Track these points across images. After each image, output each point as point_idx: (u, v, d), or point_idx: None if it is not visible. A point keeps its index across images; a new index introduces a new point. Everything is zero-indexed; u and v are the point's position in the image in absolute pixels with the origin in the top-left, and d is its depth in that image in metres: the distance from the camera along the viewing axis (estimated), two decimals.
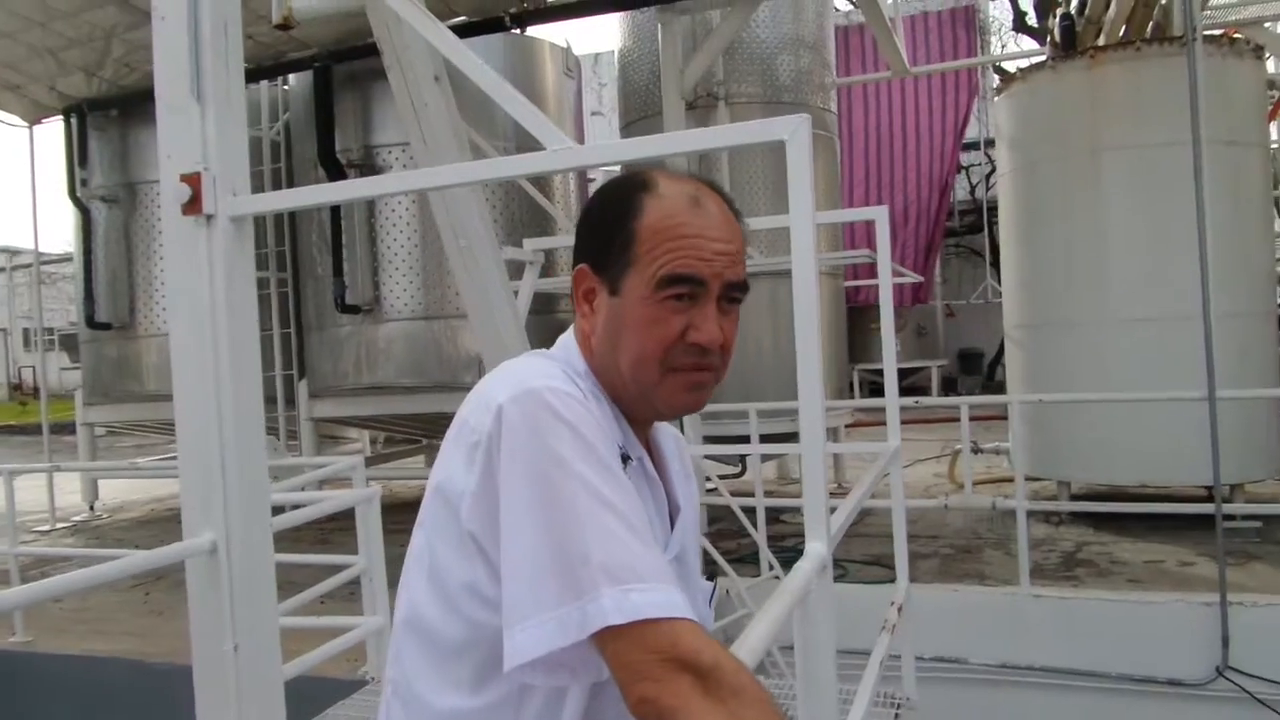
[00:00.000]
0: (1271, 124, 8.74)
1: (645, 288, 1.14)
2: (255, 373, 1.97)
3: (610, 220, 1.19)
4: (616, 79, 9.17)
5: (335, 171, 7.67)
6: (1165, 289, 6.38)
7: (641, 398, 1.18)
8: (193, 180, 1.98)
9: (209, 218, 1.99)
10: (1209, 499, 6.11)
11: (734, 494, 5.53)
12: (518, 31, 7.74)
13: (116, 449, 15.47)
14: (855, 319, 12.12)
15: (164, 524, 8.91)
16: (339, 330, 7.92)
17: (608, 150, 1.65)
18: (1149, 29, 7.44)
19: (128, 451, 14.99)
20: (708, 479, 5.81)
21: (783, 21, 8.06)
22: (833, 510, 2.06)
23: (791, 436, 7.23)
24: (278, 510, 3.17)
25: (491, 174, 1.73)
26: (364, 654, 3.94)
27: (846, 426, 8.47)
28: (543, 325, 7.09)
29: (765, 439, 6.04)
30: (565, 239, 6.84)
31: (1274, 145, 7.97)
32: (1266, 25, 9.03)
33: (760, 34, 7.93)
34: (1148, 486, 6.48)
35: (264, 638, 1.87)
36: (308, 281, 8.35)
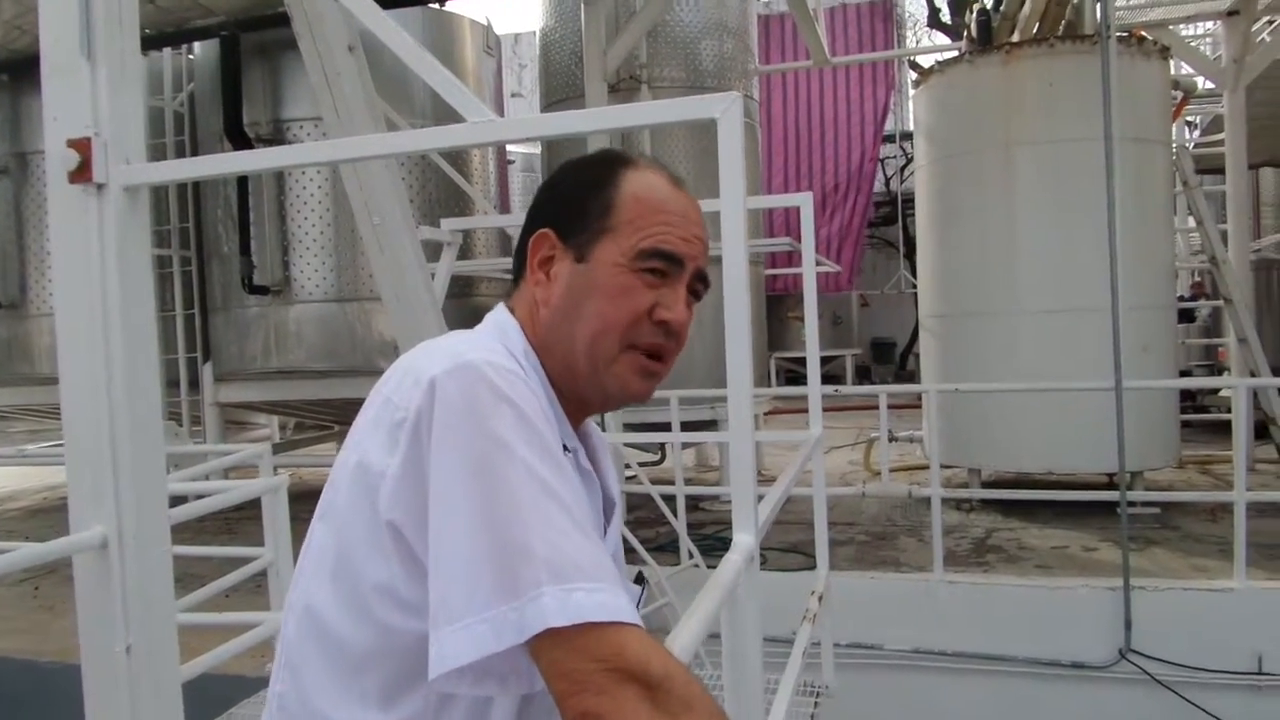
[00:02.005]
0: (1174, 123, 9.05)
1: (622, 255, 1.08)
2: (151, 355, 1.84)
3: (586, 186, 1.13)
4: (538, 59, 9.03)
5: (242, 145, 7.36)
6: (1073, 281, 6.56)
7: (592, 375, 1.10)
8: (81, 145, 1.84)
9: (99, 187, 1.85)
10: (1112, 486, 6.33)
11: (653, 482, 5.50)
12: (436, 5, 7.54)
13: (7, 434, 14.73)
14: (773, 307, 12.24)
15: (58, 514, 8.49)
16: (246, 312, 7.63)
17: (531, 124, 1.58)
18: (1061, 27, 7.62)
19: (19, 437, 14.27)
20: (627, 466, 5.76)
21: (706, 6, 8.04)
22: (758, 500, 2.03)
23: (711, 424, 7.25)
24: (178, 500, 3.01)
25: (408, 146, 1.64)
26: (270, 650, 3.80)
27: (764, 414, 8.53)
28: (460, 309, 6.94)
29: (685, 426, 6.02)
30: (484, 220, 6.72)
31: (1175, 144, 8.25)
32: (1171, 27, 9.36)
33: (684, 18, 7.89)
34: (1054, 474, 6.68)
35: (160, 637, 1.75)
36: (213, 260, 8.01)
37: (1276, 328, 11.20)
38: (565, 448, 1.04)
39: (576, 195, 1.13)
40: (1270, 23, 9.36)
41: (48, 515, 8.60)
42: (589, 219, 1.10)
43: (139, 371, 1.80)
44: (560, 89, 8.25)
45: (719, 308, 1.51)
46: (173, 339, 8.03)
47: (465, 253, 6.10)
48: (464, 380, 0.95)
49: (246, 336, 7.67)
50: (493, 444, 0.92)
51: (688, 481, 5.97)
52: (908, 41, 21.09)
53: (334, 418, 9.10)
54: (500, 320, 1.15)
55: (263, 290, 7.42)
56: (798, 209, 3.36)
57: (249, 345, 7.67)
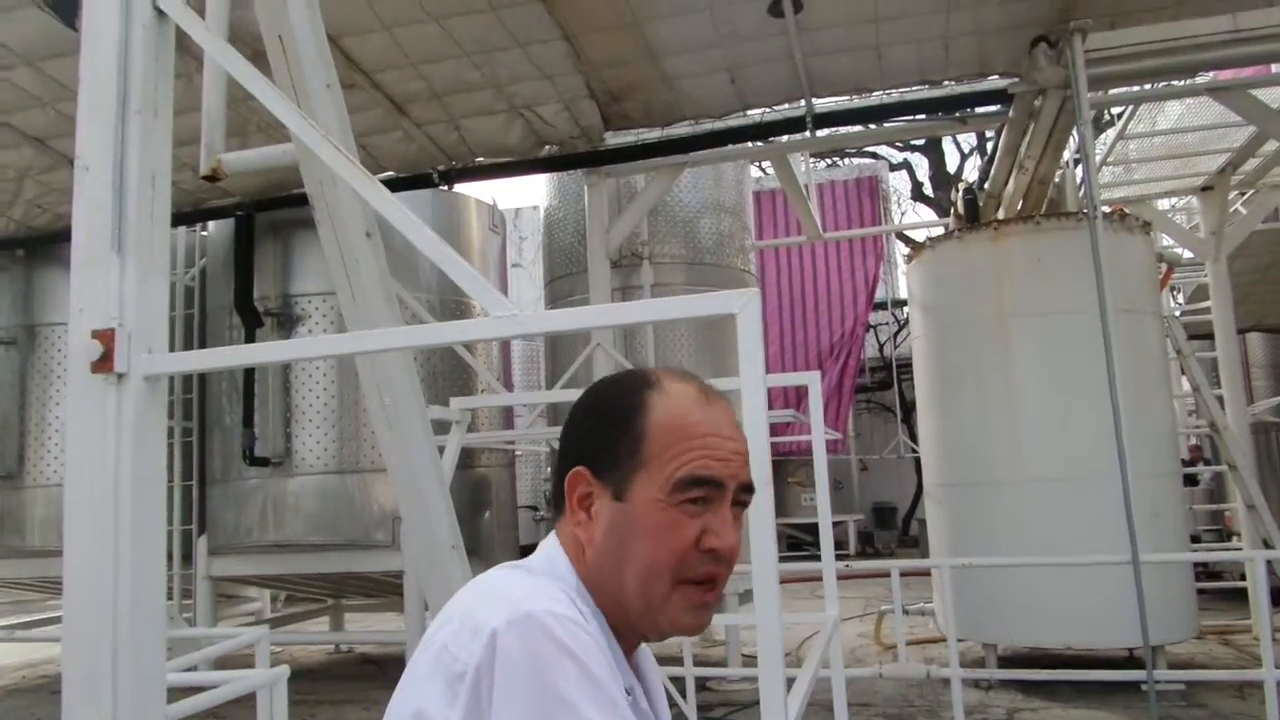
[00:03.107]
0: (1163, 292, 9.30)
1: (659, 490, 1.04)
2: (159, 549, 1.80)
3: (615, 419, 1.09)
4: (540, 234, 9.35)
5: (252, 319, 7.51)
6: (1078, 449, 6.56)
7: (646, 614, 1.06)
8: (105, 336, 1.86)
9: (120, 376, 1.86)
10: (1133, 660, 6.12)
11: (659, 660, 5.30)
12: (445, 188, 7.85)
13: None
14: (774, 472, 12.16)
15: (36, 694, 8.14)
16: (245, 483, 7.57)
17: (553, 319, 1.61)
18: (1045, 204, 7.93)
19: (3, 609, 13.85)
20: None
21: (704, 187, 8.39)
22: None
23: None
24: (169, 695, 2.88)
25: (431, 339, 1.66)
26: None
27: None
28: (464, 480, 6.90)
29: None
30: (493, 398, 6.77)
31: (1167, 313, 8.44)
32: (1151, 202, 9.76)
33: (683, 198, 8.22)
34: (1071, 648, 6.46)
35: None
36: (215, 431, 8.02)
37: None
38: (627, 691, 1.01)
39: (605, 430, 1.10)
40: (1243, 195, 9.76)
41: (27, 695, 8.24)
42: (620, 456, 1.07)
43: (145, 565, 1.77)
44: (564, 264, 8.49)
45: None
46: (168, 511, 7.92)
47: (469, 426, 6.12)
48: (525, 633, 0.93)
49: (244, 508, 7.58)
50: (557, 704, 0.90)
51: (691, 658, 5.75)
52: (893, 214, 21.89)
53: (328, 592, 8.88)
54: (552, 555, 1.11)
55: (263, 462, 7.39)
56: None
57: (245, 517, 7.57)
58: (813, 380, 3.27)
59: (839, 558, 15.41)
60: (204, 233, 8.87)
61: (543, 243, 9.15)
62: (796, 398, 12.96)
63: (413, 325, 2.02)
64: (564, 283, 8.40)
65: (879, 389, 19.44)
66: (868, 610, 9.01)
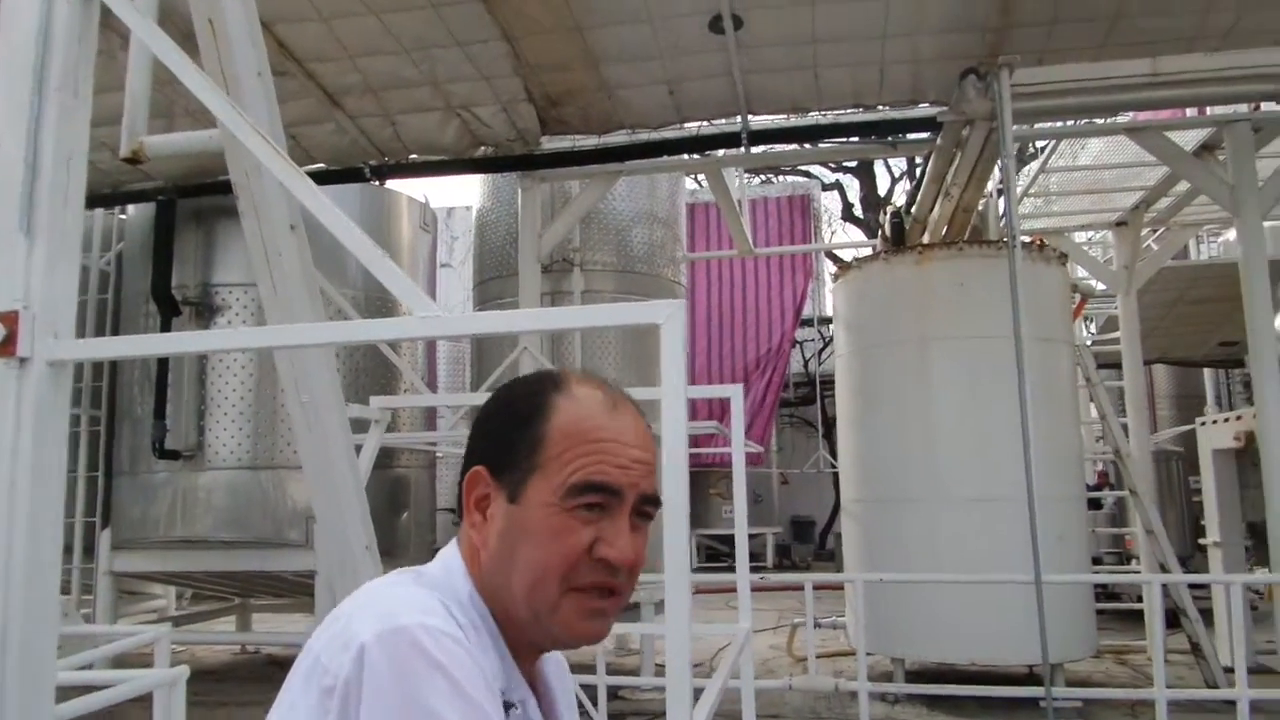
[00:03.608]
0: (1076, 322, 9.62)
1: (553, 494, 1.02)
2: (55, 541, 1.74)
3: (517, 420, 1.07)
4: (472, 235, 9.27)
5: (169, 308, 7.29)
6: (990, 471, 6.74)
7: (535, 622, 1.03)
8: (9, 319, 1.80)
9: (22, 361, 1.79)
10: (1034, 677, 6.30)
11: (571, 668, 5.27)
12: (377, 183, 7.74)
13: None
14: (695, 482, 12.26)
15: None
16: (154, 476, 7.33)
17: (475, 322, 1.60)
18: (968, 231, 8.15)
19: None
20: None
21: (638, 196, 8.42)
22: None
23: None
24: (61, 694, 2.78)
25: (351, 336, 1.64)
26: None
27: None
28: (381, 480, 6.79)
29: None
30: (414, 399, 6.69)
31: (1079, 342, 8.73)
32: (1068, 234, 10.10)
33: (617, 206, 8.24)
34: (976, 664, 6.63)
35: None
36: (125, 422, 7.75)
37: (1179, 516, 11.56)
38: (510, 705, 1.00)
39: (505, 430, 1.07)
40: (1155, 232, 10.17)
41: None
42: (518, 456, 1.04)
43: (39, 564, 1.71)
44: (494, 267, 8.44)
45: None
46: (70, 502, 7.64)
47: (390, 425, 6.03)
48: (394, 648, 0.91)
49: (151, 502, 7.34)
50: (424, 719, 0.88)
51: (606, 666, 5.75)
52: (824, 233, 22.24)
53: (236, 591, 8.64)
54: (449, 563, 1.09)
55: (174, 454, 7.17)
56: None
57: (152, 511, 7.33)
58: (735, 393, 3.31)
59: (756, 570, 15.57)
60: (123, 216, 8.59)
61: (474, 244, 9.08)
62: (720, 410, 13.08)
63: (335, 321, 1.99)
64: (493, 285, 8.35)
65: (802, 404, 19.73)
66: (781, 622, 9.11)
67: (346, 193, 7.68)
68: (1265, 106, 6.84)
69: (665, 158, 7.84)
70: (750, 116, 7.30)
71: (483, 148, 7.59)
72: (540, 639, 1.07)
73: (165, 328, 7.22)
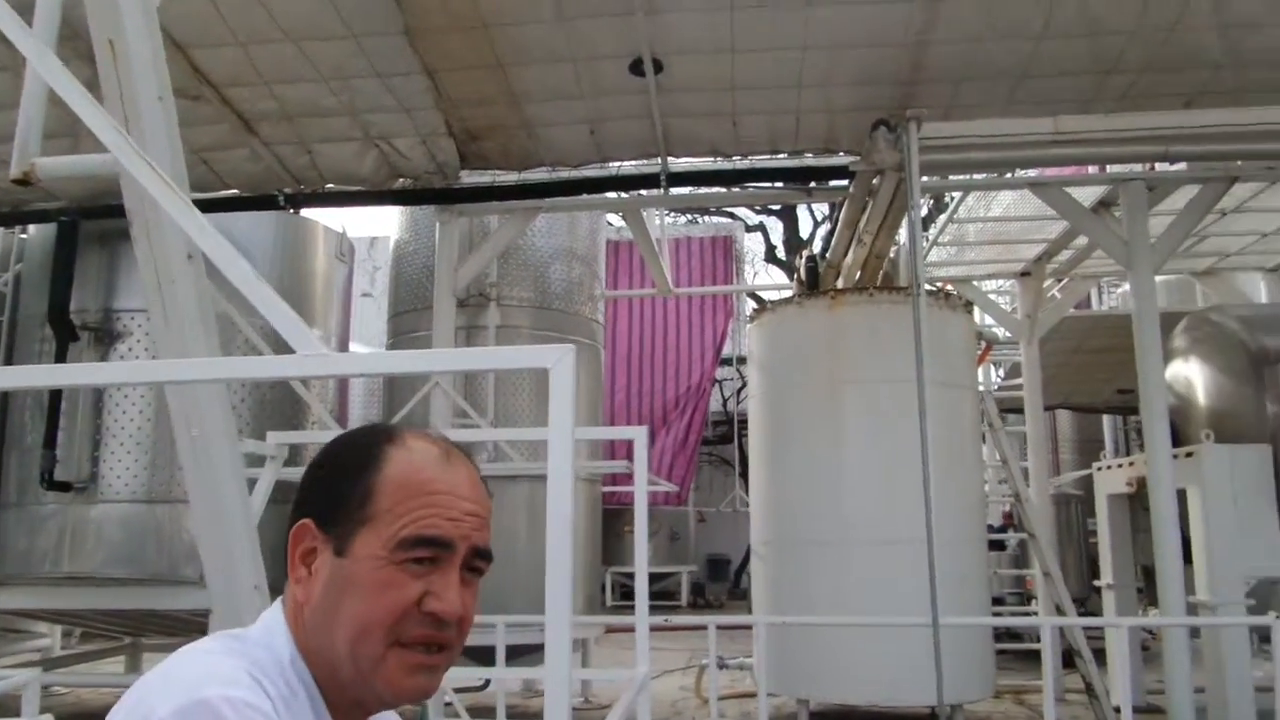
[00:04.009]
0: (979, 368, 9.91)
1: (382, 547, 1.00)
2: None
3: (347, 471, 1.05)
4: (390, 267, 9.17)
5: (66, 333, 7.01)
6: (895, 513, 6.87)
7: (360, 680, 1.00)
8: None
9: None
10: (934, 717, 6.39)
11: (473, 713, 5.19)
12: (292, 212, 7.61)
13: None
14: (610, 520, 12.20)
15: None
16: (41, 509, 6.99)
17: (365, 362, 1.58)
18: (880, 277, 8.36)
19: None
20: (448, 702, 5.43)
21: (558, 233, 8.44)
22: None
23: (542, 649, 6.99)
24: None
25: (232, 373, 1.60)
26: None
27: (599, 637, 8.32)
28: (281, 516, 6.60)
29: (514, 651, 5.77)
30: (311, 435, 6.51)
31: (981, 388, 8.99)
32: (975, 283, 10.43)
33: (536, 242, 8.24)
34: (878, 706, 6.70)
35: None
36: (13, 451, 7.38)
37: (1077, 559, 11.92)
38: None
39: (335, 482, 1.05)
40: (1058, 282, 10.57)
41: None
42: (349, 508, 1.02)
43: None
44: (410, 299, 8.35)
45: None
46: None
47: (296, 458, 5.87)
48: None
49: (37, 536, 6.99)
50: None
51: (511, 709, 5.66)
52: (746, 274, 22.57)
53: (127, 629, 8.27)
54: (271, 624, 1.05)
55: (64, 486, 6.85)
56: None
57: (38, 546, 6.98)
58: (639, 435, 3.32)
59: (670, 609, 15.49)
60: (24, 235, 8.26)
61: (390, 276, 8.97)
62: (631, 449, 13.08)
63: (222, 357, 1.95)
64: (409, 318, 8.25)
65: (720, 443, 19.87)
66: (692, 662, 9.09)
67: (259, 221, 7.52)
68: (1159, 166, 7.19)
69: (585, 196, 7.89)
70: (670, 158, 7.40)
71: (401, 179, 7.54)
72: (365, 698, 1.04)
73: (60, 354, 6.94)
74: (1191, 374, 8.06)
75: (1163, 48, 5.89)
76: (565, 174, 7.60)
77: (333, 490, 1.05)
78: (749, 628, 9.52)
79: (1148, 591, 8.49)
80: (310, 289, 7.55)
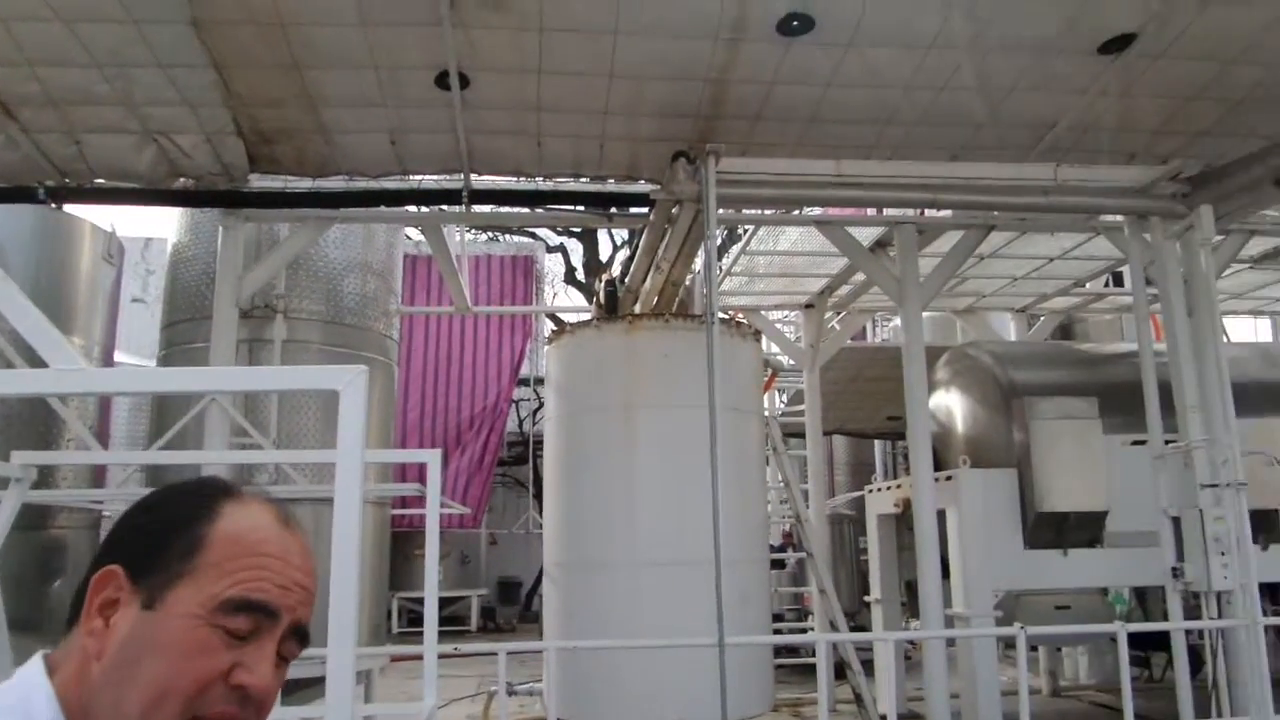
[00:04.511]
0: (765, 395, 10.37)
1: (200, 606, 0.91)
2: None
3: (175, 518, 0.96)
4: (166, 272, 8.53)
5: None
6: (686, 535, 7.03)
7: None
8: None
9: None
10: None
11: None
12: (54, 207, 6.95)
13: None
14: (399, 543, 11.83)
15: None
16: None
17: (128, 379, 1.45)
18: (675, 304, 8.59)
19: None
20: None
21: (353, 245, 8.14)
22: None
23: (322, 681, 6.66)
24: None
25: None
26: None
27: (384, 667, 8.02)
28: (29, 543, 5.97)
29: (290, 686, 5.45)
30: (64, 455, 5.95)
31: (766, 413, 9.40)
32: (763, 312, 10.91)
33: (329, 253, 7.91)
34: None
35: None
36: None
37: (849, 575, 12.66)
38: None
39: (160, 529, 0.96)
40: (838, 314, 11.24)
41: None
42: (169, 557, 0.93)
43: None
44: (187, 308, 7.79)
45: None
46: None
47: (46, 480, 5.33)
48: None
49: None
50: None
51: None
52: (545, 294, 22.63)
53: None
54: (29, 681, 0.92)
55: None
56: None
57: None
58: (433, 459, 3.24)
59: (459, 634, 15.18)
60: None
61: (166, 282, 8.34)
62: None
63: None
64: (186, 328, 7.69)
65: (515, 463, 19.75)
66: (480, 689, 8.94)
67: (17, 215, 6.83)
68: (928, 212, 7.81)
69: (384, 208, 7.66)
70: (473, 175, 7.32)
71: (182, 179, 7.05)
72: None
73: None
74: (952, 404, 8.78)
75: (933, 105, 6.40)
76: (363, 184, 7.36)
77: (154, 536, 0.95)
78: (536, 652, 9.50)
79: (910, 605, 9.12)
80: (71, 292, 6.93)
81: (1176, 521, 6.63)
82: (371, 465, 7.04)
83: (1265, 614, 6.47)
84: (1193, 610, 6.66)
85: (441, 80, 6.18)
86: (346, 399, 1.54)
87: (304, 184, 7.32)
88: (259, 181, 7.21)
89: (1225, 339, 7.70)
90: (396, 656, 8.38)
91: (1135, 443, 7.21)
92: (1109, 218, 7.60)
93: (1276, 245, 8.91)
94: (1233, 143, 6.81)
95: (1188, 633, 6.75)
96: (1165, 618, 6.87)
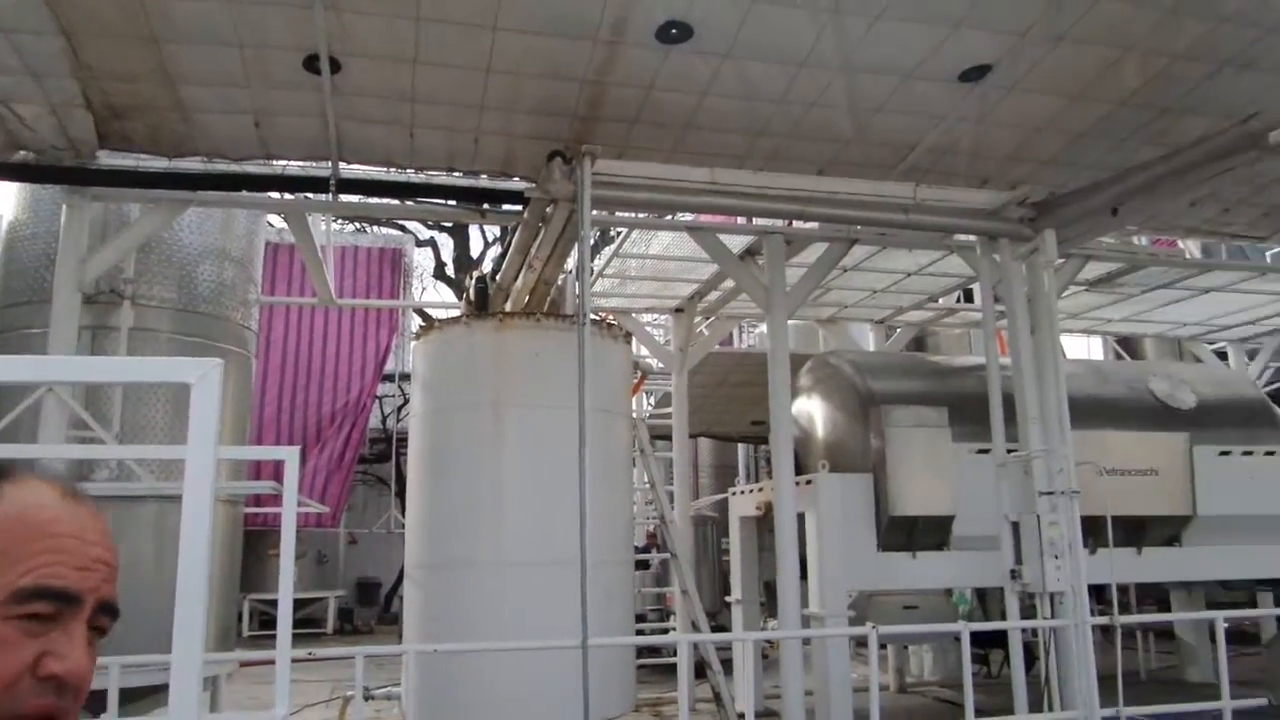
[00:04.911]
0: (634, 397, 10.44)
1: None
2: None
3: None
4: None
5: None
6: (552, 536, 7.01)
7: None
8: None
9: None
10: None
11: None
12: None
13: None
14: (252, 542, 11.37)
15: None
16: None
17: None
18: (546, 304, 8.55)
19: None
20: None
21: (210, 230, 7.76)
22: None
23: (166, 689, 6.32)
24: None
25: None
26: None
27: (232, 673, 7.68)
28: None
29: (130, 694, 5.15)
30: None
31: (635, 415, 9.47)
32: (634, 315, 10.98)
33: (184, 238, 7.51)
34: None
35: None
36: None
37: (711, 576, 12.88)
38: None
39: None
40: (707, 319, 11.42)
41: None
42: None
43: None
44: (23, 290, 7.26)
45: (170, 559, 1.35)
46: None
47: None
48: None
49: None
50: None
51: None
52: (414, 289, 22.16)
53: None
54: None
55: None
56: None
57: None
58: (290, 455, 3.12)
59: (315, 637, 14.69)
60: None
61: (0, 262, 7.74)
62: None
63: None
64: (21, 311, 7.16)
65: (377, 461, 19.27)
66: (335, 694, 8.68)
67: None
68: (796, 223, 8.03)
69: (245, 193, 7.34)
70: (343, 163, 7.10)
71: (22, 151, 6.59)
72: None
73: None
74: (813, 410, 9.05)
75: (804, 119, 6.59)
76: (224, 166, 7.03)
77: None
78: (395, 656, 9.27)
79: (769, 605, 9.34)
80: None
81: (1016, 526, 7.02)
82: (224, 461, 6.72)
83: (1092, 614, 6.92)
84: (1028, 610, 7.07)
85: (311, 63, 5.97)
86: (199, 394, 1.47)
87: (158, 163, 6.95)
88: (109, 159, 6.80)
89: (1063, 355, 8.22)
90: (246, 662, 8.03)
91: (981, 451, 7.59)
92: (962, 237, 7.99)
93: (1110, 270, 9.56)
94: (1075, 172, 7.27)
95: (1023, 631, 7.16)
96: (1004, 617, 7.27)
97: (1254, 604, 10.25)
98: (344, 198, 7.33)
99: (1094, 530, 7.36)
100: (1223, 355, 12.79)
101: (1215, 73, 6.00)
